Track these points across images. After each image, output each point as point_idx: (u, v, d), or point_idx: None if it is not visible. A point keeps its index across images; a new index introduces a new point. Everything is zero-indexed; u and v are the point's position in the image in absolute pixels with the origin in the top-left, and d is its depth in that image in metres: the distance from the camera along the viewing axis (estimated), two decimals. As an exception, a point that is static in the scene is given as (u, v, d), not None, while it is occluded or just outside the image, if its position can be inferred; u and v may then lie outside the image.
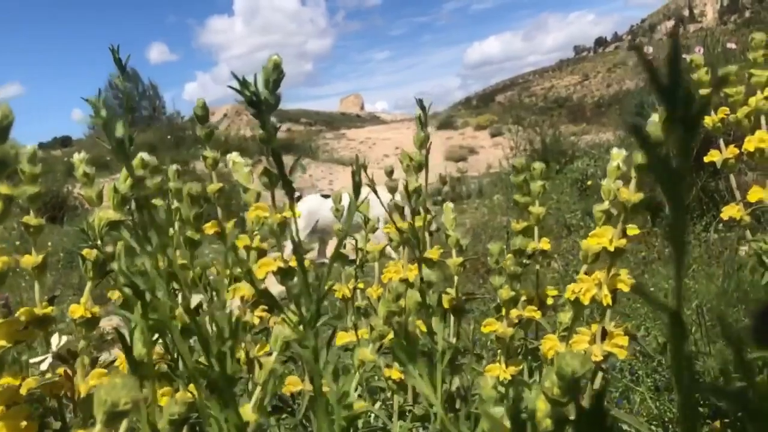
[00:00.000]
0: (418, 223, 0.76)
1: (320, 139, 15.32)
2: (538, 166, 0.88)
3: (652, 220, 3.25)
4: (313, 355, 0.35)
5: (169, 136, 11.48)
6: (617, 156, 0.70)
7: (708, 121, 0.90)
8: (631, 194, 0.63)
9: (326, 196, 5.51)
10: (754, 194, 0.80)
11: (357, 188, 0.46)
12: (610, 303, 0.67)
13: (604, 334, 0.69)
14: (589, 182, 3.70)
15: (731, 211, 0.88)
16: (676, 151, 0.17)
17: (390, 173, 0.88)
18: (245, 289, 0.69)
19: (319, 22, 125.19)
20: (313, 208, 5.27)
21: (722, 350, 1.12)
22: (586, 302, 0.68)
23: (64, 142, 21.25)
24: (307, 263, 0.46)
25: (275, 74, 0.50)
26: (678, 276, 0.17)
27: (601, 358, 0.67)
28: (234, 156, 0.65)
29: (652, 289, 2.05)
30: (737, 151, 0.86)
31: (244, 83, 0.38)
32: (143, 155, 0.61)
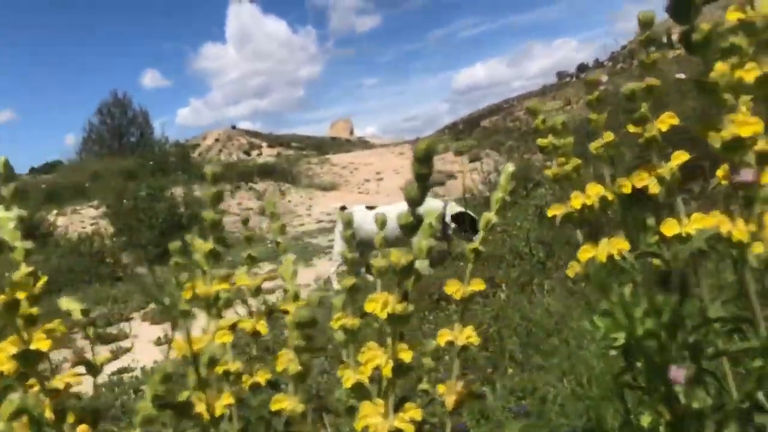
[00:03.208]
0: (215, 286, 0.70)
1: (303, 164, 15.28)
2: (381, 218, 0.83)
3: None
4: None
5: (151, 162, 11.41)
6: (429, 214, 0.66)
7: (548, 172, 0.86)
8: (400, 256, 0.59)
9: (371, 208, 5.38)
10: (584, 252, 0.76)
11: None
12: (390, 375, 0.61)
13: (399, 406, 0.64)
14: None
15: (575, 267, 0.84)
16: None
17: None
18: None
19: (309, 49, 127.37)
20: (358, 222, 5.09)
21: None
22: (368, 374, 0.62)
23: (56, 167, 21.17)
24: None
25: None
26: None
27: (387, 436, 0.61)
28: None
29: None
30: (580, 204, 0.82)
31: None
32: None
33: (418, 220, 0.58)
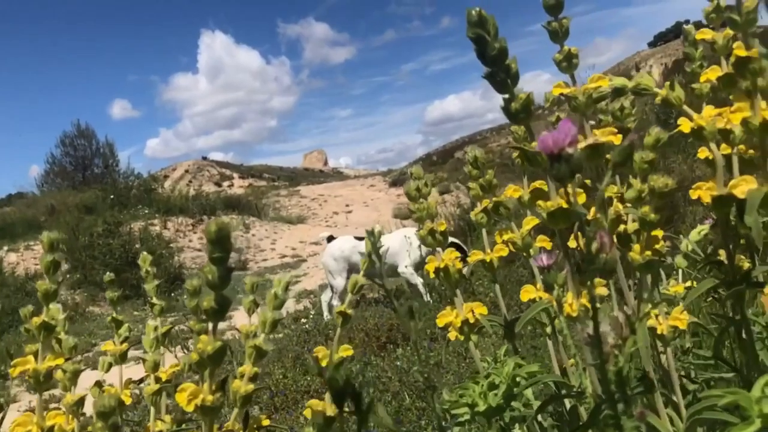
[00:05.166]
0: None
1: (272, 196, 15.07)
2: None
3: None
4: None
5: (112, 196, 11.09)
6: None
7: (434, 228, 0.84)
8: (207, 343, 0.54)
9: (360, 238, 5.33)
10: (442, 318, 0.74)
11: None
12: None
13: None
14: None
15: (447, 319, 0.82)
16: None
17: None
18: None
19: (283, 80, 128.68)
20: (346, 251, 5.04)
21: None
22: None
23: (16, 199, 20.46)
24: None
25: None
26: None
27: None
28: None
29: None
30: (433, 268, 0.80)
31: None
32: None
33: (222, 305, 0.54)
